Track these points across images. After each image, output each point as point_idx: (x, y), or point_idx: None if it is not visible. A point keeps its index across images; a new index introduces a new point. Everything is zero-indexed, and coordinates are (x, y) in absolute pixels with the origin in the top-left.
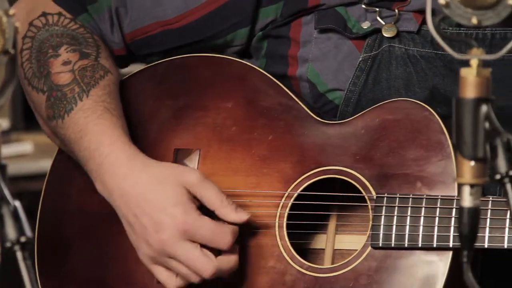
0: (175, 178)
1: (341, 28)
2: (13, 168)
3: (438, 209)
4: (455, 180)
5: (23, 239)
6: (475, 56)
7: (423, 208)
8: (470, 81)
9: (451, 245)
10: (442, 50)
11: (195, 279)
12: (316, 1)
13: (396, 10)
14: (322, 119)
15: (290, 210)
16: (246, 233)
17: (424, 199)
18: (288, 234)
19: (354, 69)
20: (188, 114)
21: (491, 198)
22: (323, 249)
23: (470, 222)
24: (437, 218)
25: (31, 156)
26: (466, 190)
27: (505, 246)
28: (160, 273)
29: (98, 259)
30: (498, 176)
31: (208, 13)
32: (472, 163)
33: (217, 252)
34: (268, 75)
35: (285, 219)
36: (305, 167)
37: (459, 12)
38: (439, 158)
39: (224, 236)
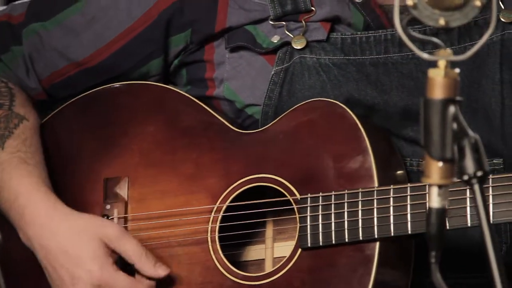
0: (93, 230)
1: (251, 45)
2: None
3: (360, 202)
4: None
5: None
6: (443, 57)
7: (346, 203)
8: (438, 82)
9: (376, 236)
10: (354, 55)
11: None
12: (222, 25)
13: (303, 22)
14: (243, 130)
15: (221, 223)
16: (180, 252)
17: (346, 195)
18: (222, 247)
19: (267, 83)
20: (114, 143)
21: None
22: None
23: (438, 222)
24: (360, 211)
25: None
26: (434, 190)
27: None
28: None
29: None
30: (465, 177)
31: (119, 48)
32: (440, 163)
33: None
34: (186, 94)
35: (216, 233)
36: (230, 179)
37: (426, 13)
38: (357, 152)
39: None
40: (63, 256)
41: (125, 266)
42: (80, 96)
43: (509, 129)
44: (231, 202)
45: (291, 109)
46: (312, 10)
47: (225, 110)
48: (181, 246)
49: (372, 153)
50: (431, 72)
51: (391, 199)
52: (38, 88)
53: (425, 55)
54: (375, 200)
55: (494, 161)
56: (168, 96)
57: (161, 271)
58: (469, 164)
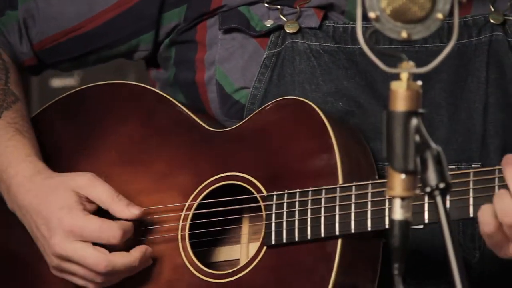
0: (66, 184)
1: (244, 27)
2: None
3: (323, 199)
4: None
5: None
6: (405, 70)
7: (309, 201)
8: (401, 95)
9: (337, 233)
10: (344, 44)
11: (94, 277)
12: (218, 3)
13: (298, 7)
14: (215, 128)
15: (192, 221)
16: (151, 249)
17: (310, 192)
18: (196, 245)
19: (259, 67)
20: (92, 142)
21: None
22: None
23: (401, 234)
24: (322, 209)
25: None
26: (397, 202)
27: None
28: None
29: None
30: (428, 189)
31: (111, 18)
32: (403, 176)
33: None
34: (160, 92)
35: (186, 231)
36: (201, 177)
37: (389, 26)
38: (322, 150)
39: (112, 231)
40: (41, 213)
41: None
42: (62, 96)
43: (490, 128)
44: (201, 200)
45: (261, 108)
46: None
47: (212, 98)
48: (153, 244)
49: (337, 151)
50: (394, 85)
51: (353, 196)
52: (29, 53)
53: (386, 68)
54: (337, 197)
55: (472, 165)
56: (145, 95)
57: (134, 210)
58: (432, 176)
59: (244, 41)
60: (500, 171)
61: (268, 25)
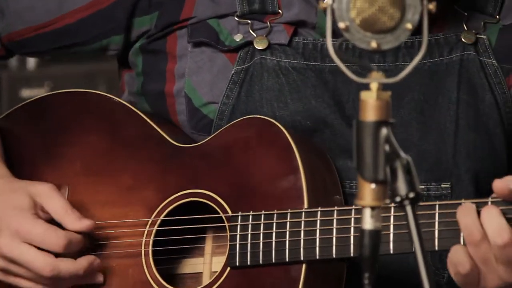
0: (24, 188)
1: (213, 41)
2: None
3: (288, 223)
4: (304, 194)
5: None
6: (375, 80)
7: (274, 224)
8: (370, 105)
9: (302, 259)
10: (314, 61)
11: (39, 281)
12: (188, 13)
13: (268, 23)
14: (182, 143)
15: (156, 236)
16: (113, 264)
17: (275, 215)
18: (158, 261)
19: (227, 82)
20: (56, 151)
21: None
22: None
23: (371, 244)
24: (287, 233)
25: None
26: (367, 212)
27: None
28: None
29: None
30: (398, 199)
31: (82, 18)
32: (373, 185)
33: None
34: (128, 104)
35: (150, 247)
36: (166, 193)
37: (358, 36)
38: (288, 173)
39: (56, 238)
40: None
41: None
42: (26, 102)
43: (462, 148)
44: (166, 216)
45: (228, 124)
46: (279, 12)
47: (180, 110)
48: (115, 259)
49: (303, 173)
50: (363, 95)
51: (318, 221)
52: None
53: (356, 78)
54: (302, 222)
55: (442, 185)
56: (111, 106)
57: (84, 222)
58: (402, 186)
59: (213, 55)
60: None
61: (238, 40)
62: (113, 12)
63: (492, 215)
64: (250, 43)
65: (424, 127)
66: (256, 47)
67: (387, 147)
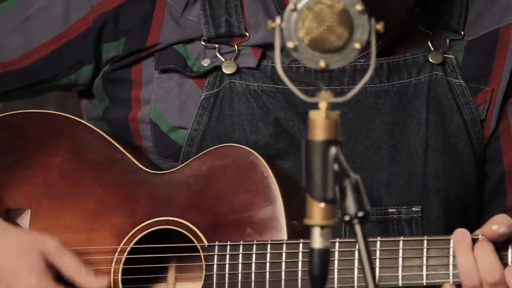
0: (33, 245)
1: (181, 68)
2: None
3: (268, 254)
4: (284, 224)
5: None
6: (324, 99)
7: (254, 255)
8: (319, 124)
9: None
10: (283, 85)
11: None
12: (154, 40)
13: (236, 46)
14: (152, 170)
15: (125, 264)
16: None
17: (255, 245)
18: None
19: (197, 108)
20: (18, 173)
21: (337, 240)
22: None
23: (321, 263)
24: (268, 264)
25: None
26: (316, 231)
27: (356, 287)
28: None
29: None
30: (347, 218)
31: (50, 53)
32: (322, 204)
33: None
34: (94, 127)
35: (119, 275)
36: (136, 219)
37: (307, 55)
38: (267, 203)
39: None
40: (3, 271)
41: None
42: None
43: (431, 170)
44: (136, 243)
45: (203, 152)
46: (246, 35)
47: (145, 136)
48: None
49: (282, 203)
50: (312, 114)
51: (300, 253)
52: None
53: (305, 98)
54: (283, 254)
55: (412, 208)
56: (76, 129)
57: (104, 281)
58: (351, 205)
59: (181, 80)
60: (428, 241)
61: (205, 65)
62: (82, 41)
63: (484, 252)
64: (218, 68)
65: (394, 150)
66: (225, 72)
67: (336, 166)
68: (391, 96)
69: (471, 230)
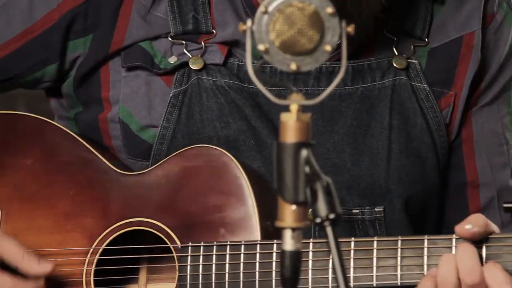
0: None
1: (148, 65)
2: None
3: (242, 255)
4: (257, 224)
5: None
6: (295, 101)
7: (228, 255)
8: (290, 126)
9: None
10: (248, 84)
11: None
12: (121, 36)
13: (202, 43)
14: (123, 171)
15: (97, 265)
16: None
17: (228, 246)
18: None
19: (166, 105)
20: None
21: (311, 240)
22: None
23: (292, 265)
24: (241, 264)
25: None
26: (288, 233)
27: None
28: None
29: None
30: (318, 220)
31: (14, 50)
32: (294, 207)
33: None
34: (65, 128)
35: (92, 276)
36: (108, 221)
37: (278, 58)
38: (240, 203)
39: None
40: None
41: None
42: None
43: (394, 174)
44: (108, 244)
45: (176, 153)
46: (213, 32)
47: (115, 136)
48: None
49: (255, 203)
50: (283, 116)
51: (274, 254)
52: None
53: (275, 99)
54: (257, 254)
55: (375, 209)
56: (47, 129)
57: (46, 266)
58: (322, 207)
59: (148, 78)
60: (403, 241)
61: (172, 62)
62: (48, 38)
63: (466, 255)
64: (185, 64)
65: (357, 153)
66: (192, 68)
67: (307, 169)
68: (355, 100)
69: (433, 232)
